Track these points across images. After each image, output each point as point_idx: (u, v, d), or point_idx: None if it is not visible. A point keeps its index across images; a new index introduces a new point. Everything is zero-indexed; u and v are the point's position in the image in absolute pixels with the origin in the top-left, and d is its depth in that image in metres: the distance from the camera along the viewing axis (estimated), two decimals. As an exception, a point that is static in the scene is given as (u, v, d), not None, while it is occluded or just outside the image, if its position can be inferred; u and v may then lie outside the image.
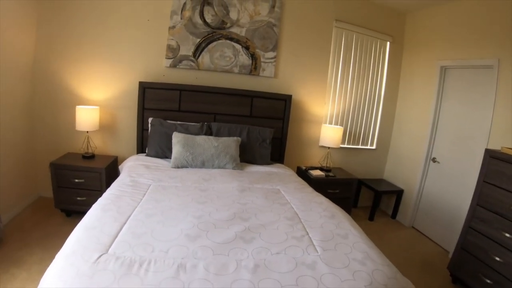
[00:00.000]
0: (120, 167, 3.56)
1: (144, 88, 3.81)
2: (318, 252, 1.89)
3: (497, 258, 2.67)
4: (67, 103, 3.84)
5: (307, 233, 2.13)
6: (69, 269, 1.52)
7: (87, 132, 3.77)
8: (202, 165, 3.40)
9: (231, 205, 2.47)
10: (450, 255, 3.49)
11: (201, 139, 3.48)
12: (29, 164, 3.82)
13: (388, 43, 4.66)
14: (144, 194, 2.55)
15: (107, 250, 1.68)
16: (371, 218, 4.53)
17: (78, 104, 3.77)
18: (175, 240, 1.84)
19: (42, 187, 4.00)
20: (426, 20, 4.37)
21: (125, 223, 2.01)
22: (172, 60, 3.91)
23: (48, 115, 3.86)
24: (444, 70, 4.04)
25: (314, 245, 1.97)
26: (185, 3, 3.81)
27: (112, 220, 2.01)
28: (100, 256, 1.61)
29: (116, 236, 1.83)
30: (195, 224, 2.05)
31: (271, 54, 4.16)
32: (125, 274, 1.51)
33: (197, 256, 1.70)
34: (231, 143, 3.55)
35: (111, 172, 3.70)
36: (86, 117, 3.63)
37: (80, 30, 3.73)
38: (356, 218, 4.39)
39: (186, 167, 3.37)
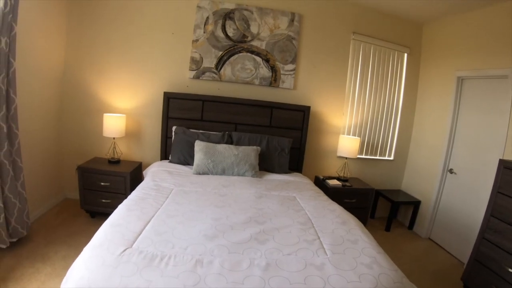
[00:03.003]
0: (144, 172, 3.74)
1: (169, 98, 4.01)
2: (327, 255, 1.99)
3: (511, 270, 2.66)
4: (94, 110, 4.09)
5: (319, 237, 2.23)
6: (95, 260, 1.69)
7: (114, 138, 3.99)
8: (223, 172, 3.55)
9: (247, 209, 2.60)
10: (464, 267, 3.49)
11: (222, 147, 3.64)
12: (56, 166, 4.06)
13: (405, 54, 4.72)
14: (167, 197, 2.71)
15: (132, 245, 1.84)
16: (387, 229, 4.55)
17: (105, 112, 4.02)
18: (194, 239, 1.99)
19: (68, 189, 4.24)
20: (442, 31, 4.42)
21: (148, 222, 2.18)
22: (195, 71, 4.11)
23: (76, 121, 4.11)
24: (461, 80, 4.06)
25: (324, 248, 2.07)
26: (207, 17, 4.01)
27: (136, 219, 2.18)
28: (125, 250, 1.78)
29: (140, 233, 2.00)
30: (213, 226, 2.20)
31: (290, 67, 4.30)
32: (147, 266, 1.67)
33: (213, 254, 1.84)
34: (250, 152, 3.69)
35: (136, 176, 3.89)
36: (113, 124, 3.84)
37: (107, 41, 3.99)
38: (372, 228, 4.45)
39: (207, 173, 3.52)
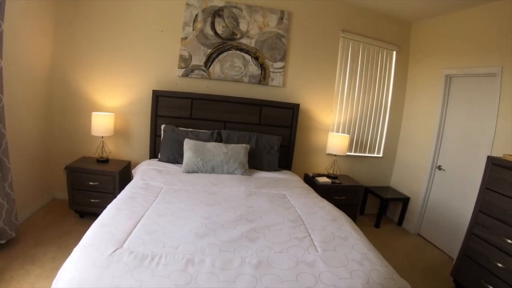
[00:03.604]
0: (133, 171, 3.70)
1: (157, 96, 3.97)
2: (318, 252, 2.00)
3: (499, 264, 2.71)
4: (83, 109, 4.03)
5: (309, 235, 2.24)
6: (85, 260, 1.66)
7: (102, 137, 3.93)
8: (212, 170, 3.54)
9: (238, 207, 2.59)
10: (454, 262, 3.54)
11: (211, 145, 3.63)
12: (45, 166, 3.98)
13: (394, 52, 4.77)
14: (156, 196, 2.69)
15: (122, 245, 1.82)
16: (377, 225, 4.60)
17: (94, 110, 3.97)
18: (184, 238, 1.97)
19: (57, 189, 4.18)
20: (431, 30, 4.47)
21: (138, 221, 2.16)
22: (184, 69, 4.08)
23: (64, 120, 4.04)
24: (449, 78, 4.12)
25: (315, 246, 2.08)
26: (197, 15, 3.99)
27: (126, 219, 2.16)
28: (115, 250, 1.76)
29: (130, 233, 1.98)
30: (204, 224, 2.19)
31: (279, 64, 4.30)
32: (138, 266, 1.65)
33: (204, 252, 1.83)
34: (240, 149, 3.69)
35: (125, 176, 3.85)
36: (102, 123, 3.79)
37: (96, 39, 3.93)
38: (362, 225, 4.49)
39: (197, 172, 3.50)
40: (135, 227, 2.07)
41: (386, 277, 1.85)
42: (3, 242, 2.90)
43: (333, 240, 2.19)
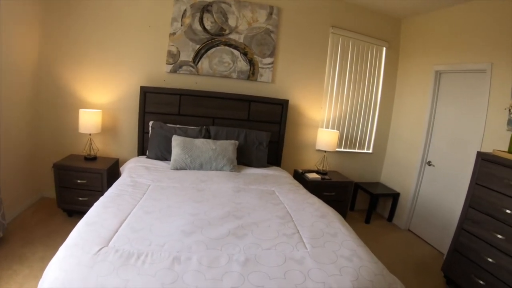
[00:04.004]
0: (121, 168, 3.67)
1: (145, 93, 3.92)
2: (307, 249, 1.99)
3: (489, 259, 2.73)
4: (70, 106, 3.96)
5: (298, 231, 2.23)
6: (70, 260, 1.63)
7: (90, 134, 3.87)
8: (200, 167, 3.50)
9: (226, 204, 2.57)
10: (444, 257, 3.56)
11: (200, 142, 3.59)
12: (32, 165, 3.92)
13: (384, 48, 4.77)
14: (144, 193, 2.66)
15: (108, 244, 1.79)
16: (367, 221, 4.61)
17: (81, 107, 3.90)
18: (171, 235, 1.95)
19: (45, 187, 4.10)
20: (421, 26, 4.48)
21: (125, 219, 2.12)
22: (172, 65, 4.03)
23: (51, 117, 3.97)
24: (439, 74, 4.14)
25: (303, 242, 2.07)
26: (185, 10, 3.93)
27: (112, 216, 2.13)
28: (100, 249, 1.73)
29: (116, 231, 1.95)
30: (191, 221, 2.16)
31: (268, 60, 4.27)
32: (124, 264, 1.62)
33: (191, 250, 1.81)
34: (228, 146, 3.66)
35: (113, 173, 3.79)
36: (89, 120, 3.73)
37: (83, 35, 3.86)
38: (352, 220, 4.50)
39: (185, 169, 3.47)
40: (121, 225, 2.04)
41: (376, 273, 1.85)
42: (-9, 242, 2.86)
43: (322, 236, 2.18)
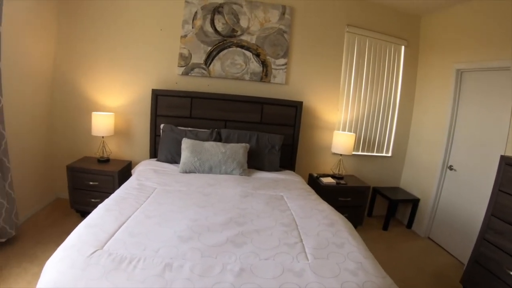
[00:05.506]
0: (132, 171, 3.66)
1: (157, 96, 3.92)
2: (308, 260, 1.86)
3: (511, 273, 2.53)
4: (83, 109, 4.02)
5: (301, 240, 2.11)
6: (65, 261, 1.63)
7: (103, 137, 3.91)
8: (210, 170, 3.45)
9: (230, 209, 2.49)
10: (464, 268, 3.36)
11: (209, 145, 3.54)
12: (47, 166, 4.00)
13: (403, 47, 4.58)
14: (148, 197, 2.63)
15: (102, 247, 1.76)
16: (385, 228, 4.42)
17: (94, 110, 3.95)
18: (167, 241, 1.89)
19: (60, 188, 4.16)
20: (441, 23, 4.27)
21: (124, 222, 2.09)
22: (184, 68, 4.01)
23: (65, 120, 4.04)
24: (460, 73, 3.92)
25: (305, 253, 1.95)
26: (196, 12, 3.91)
27: (113, 219, 2.11)
28: (94, 252, 1.70)
29: (113, 234, 1.92)
30: (189, 227, 2.10)
31: (282, 61, 4.18)
32: (115, 269, 1.59)
33: (185, 257, 1.74)
34: (238, 149, 3.59)
35: (125, 175, 3.80)
36: (102, 123, 3.77)
37: (96, 39, 3.91)
38: (369, 227, 4.34)
39: (194, 172, 3.43)
40: (119, 228, 2.01)
41: (382, 290, 1.71)
42: (3, 240, 2.94)
43: (327, 246, 2.05)
